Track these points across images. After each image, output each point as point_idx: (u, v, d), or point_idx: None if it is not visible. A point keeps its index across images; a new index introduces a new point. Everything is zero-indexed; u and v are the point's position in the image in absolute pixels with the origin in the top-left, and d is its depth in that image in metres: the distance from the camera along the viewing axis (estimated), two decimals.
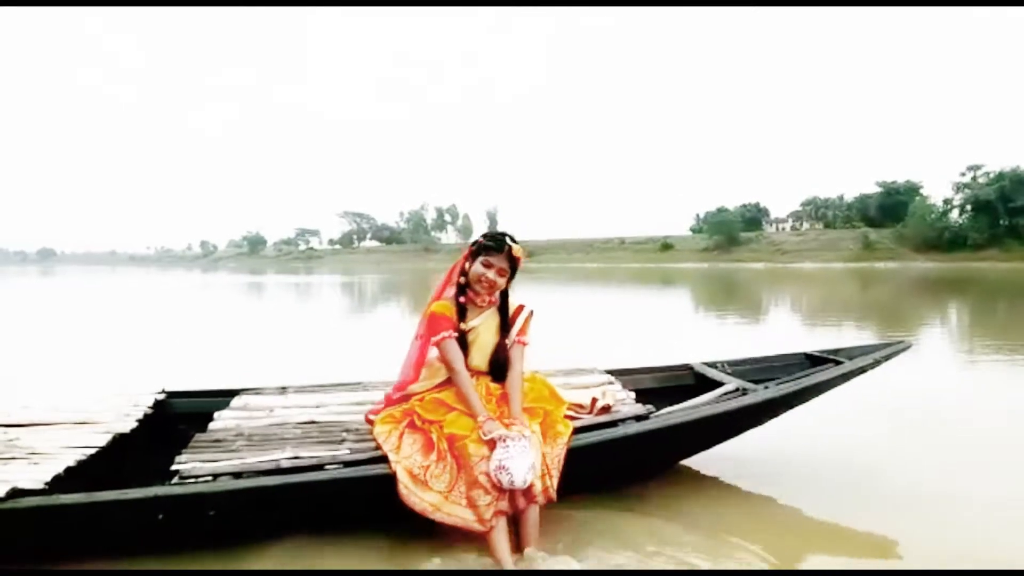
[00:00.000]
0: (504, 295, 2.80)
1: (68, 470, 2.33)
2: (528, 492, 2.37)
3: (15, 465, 2.36)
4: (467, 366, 2.69)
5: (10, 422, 2.83)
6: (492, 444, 2.35)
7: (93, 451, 2.53)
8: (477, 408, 2.51)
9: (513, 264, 2.72)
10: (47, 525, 2.18)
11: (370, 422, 2.77)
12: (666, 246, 74.43)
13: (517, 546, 2.38)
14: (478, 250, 2.72)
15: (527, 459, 2.30)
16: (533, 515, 2.42)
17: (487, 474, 2.31)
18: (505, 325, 2.78)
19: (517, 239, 2.74)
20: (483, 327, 2.75)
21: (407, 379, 2.79)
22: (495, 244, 2.70)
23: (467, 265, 2.74)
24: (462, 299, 2.74)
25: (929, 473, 3.30)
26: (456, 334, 2.67)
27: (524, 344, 2.79)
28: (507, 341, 2.76)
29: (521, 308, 2.84)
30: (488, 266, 2.69)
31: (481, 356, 2.74)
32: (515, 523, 2.41)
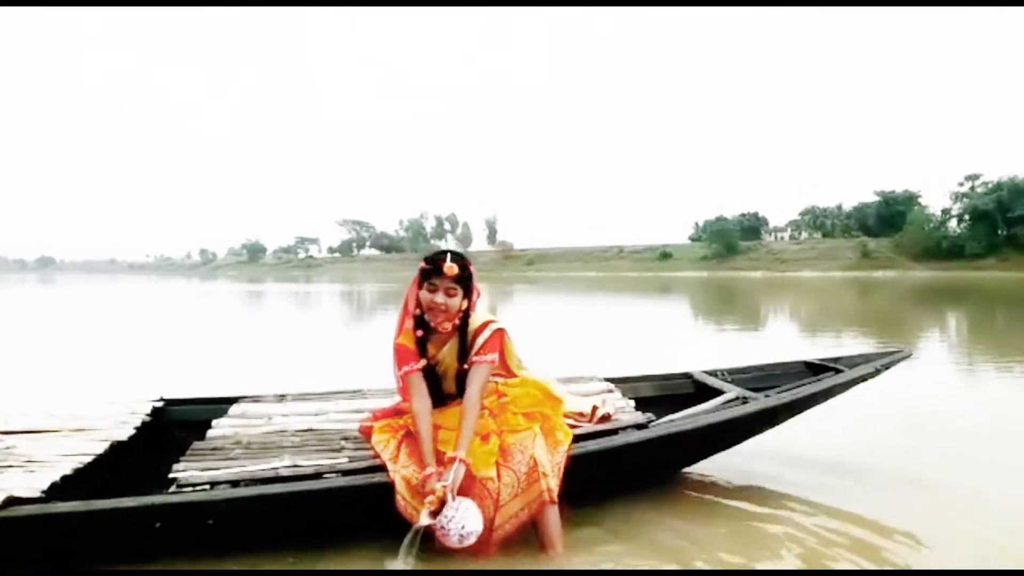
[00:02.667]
0: (465, 315, 2.63)
1: (65, 478, 2.32)
2: (538, 497, 2.36)
3: (11, 473, 2.35)
4: (442, 393, 2.68)
5: (7, 429, 2.82)
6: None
7: (90, 459, 2.51)
8: (425, 454, 2.40)
9: (463, 277, 2.55)
10: (44, 534, 2.17)
11: (364, 434, 2.76)
12: (665, 255, 74.61)
13: (540, 548, 2.40)
14: (421, 275, 2.57)
15: (465, 522, 2.20)
16: (551, 516, 2.39)
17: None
18: (464, 347, 2.67)
19: (462, 254, 2.61)
20: (447, 354, 2.68)
21: (394, 405, 2.81)
22: (432, 266, 2.53)
23: (420, 294, 2.58)
24: (419, 332, 2.61)
25: (935, 473, 3.28)
26: (417, 367, 2.59)
27: (484, 362, 2.62)
28: (467, 366, 2.65)
29: (486, 325, 2.68)
30: (434, 290, 2.53)
31: (450, 384, 2.70)
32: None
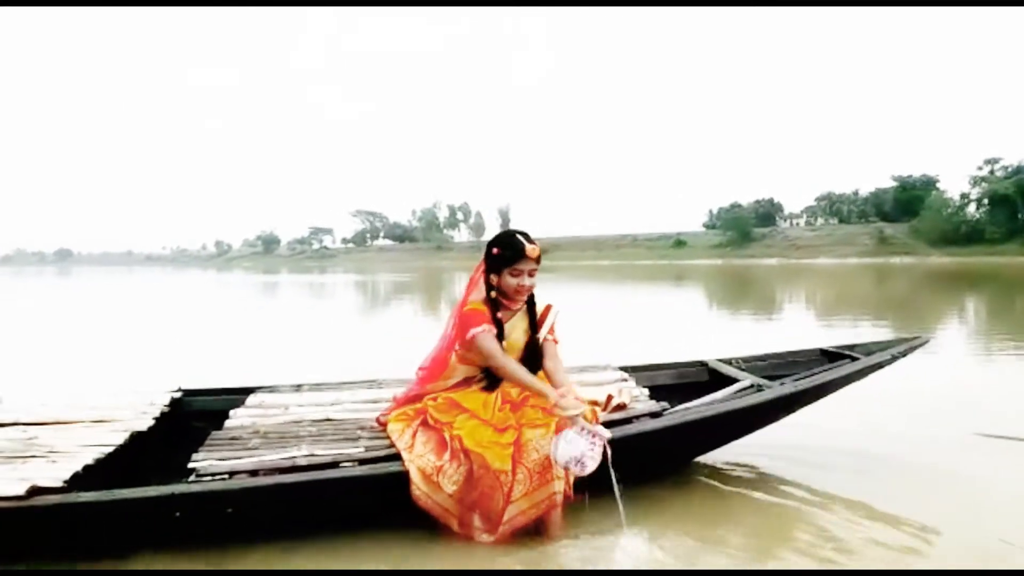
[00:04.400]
0: (531, 293, 2.73)
1: (87, 468, 2.35)
2: (549, 498, 2.39)
3: (34, 463, 2.39)
4: (492, 375, 2.69)
5: (29, 420, 2.86)
6: (564, 424, 2.36)
7: (111, 449, 2.55)
8: (541, 388, 2.50)
9: (538, 258, 2.64)
10: (66, 523, 2.21)
11: (382, 424, 2.78)
12: (679, 243, 74.19)
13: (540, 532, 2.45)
14: (499, 262, 2.60)
15: (597, 450, 2.30)
16: (556, 514, 2.44)
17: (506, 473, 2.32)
18: (534, 323, 2.74)
19: (528, 233, 2.65)
20: (513, 327, 2.71)
21: (426, 377, 2.79)
22: (512, 251, 2.58)
23: (493, 279, 2.63)
24: (497, 313, 2.65)
25: (952, 462, 3.25)
26: (494, 329, 2.62)
27: (556, 342, 2.75)
28: (538, 337, 2.72)
29: (549, 308, 2.79)
30: (519, 275, 2.59)
31: (512, 355, 2.69)
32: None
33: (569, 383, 2.62)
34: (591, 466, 2.28)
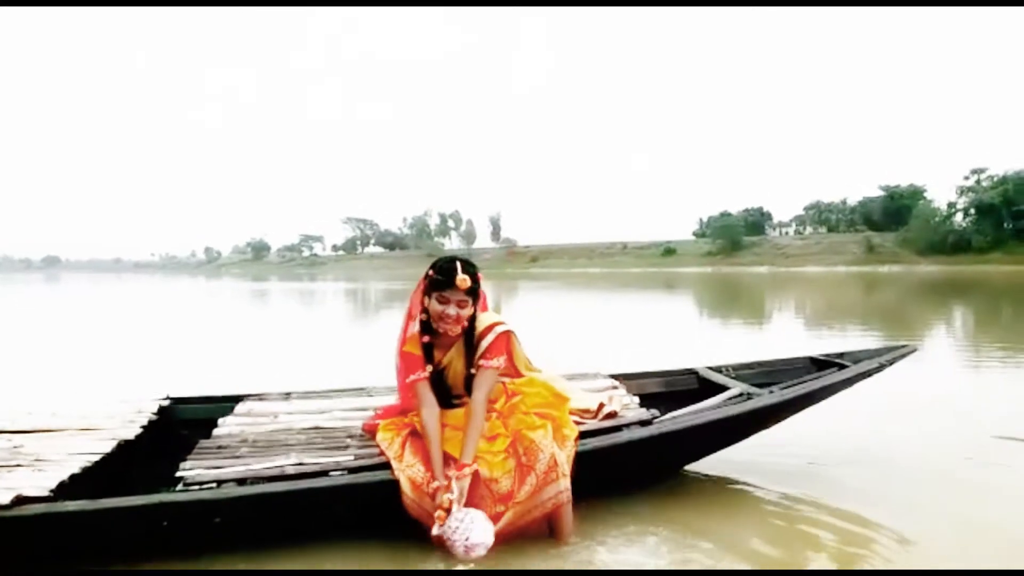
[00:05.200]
0: (471, 319, 2.61)
1: (73, 477, 2.34)
2: (554, 496, 2.38)
3: (20, 472, 2.36)
4: (449, 395, 2.67)
5: (14, 429, 2.84)
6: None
7: (98, 458, 2.53)
8: (435, 464, 2.41)
9: (474, 288, 2.54)
10: (52, 532, 2.18)
11: (369, 432, 2.77)
12: (669, 251, 74.57)
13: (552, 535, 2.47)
14: (430, 285, 2.54)
15: (470, 533, 2.23)
16: (566, 511, 2.43)
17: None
18: (470, 350, 2.66)
19: (474, 265, 2.59)
20: (454, 358, 2.67)
21: (399, 404, 2.81)
22: (444, 278, 2.50)
23: (426, 300, 2.58)
24: (426, 338, 2.60)
25: (942, 469, 3.28)
26: (425, 375, 2.58)
27: (489, 367, 2.60)
28: (473, 370, 2.64)
29: (491, 328, 2.65)
30: (445, 302, 2.51)
31: (458, 387, 2.68)
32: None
33: (473, 437, 2.44)
34: (472, 542, 2.23)
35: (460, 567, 2.28)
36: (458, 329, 2.58)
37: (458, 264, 2.53)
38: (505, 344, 2.72)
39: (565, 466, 2.40)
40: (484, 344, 2.63)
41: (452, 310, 2.52)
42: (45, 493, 2.18)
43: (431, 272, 2.55)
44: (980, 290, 22.23)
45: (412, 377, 2.58)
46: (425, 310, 2.59)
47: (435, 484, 2.36)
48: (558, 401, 2.74)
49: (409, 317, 2.69)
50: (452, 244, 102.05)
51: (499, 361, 2.64)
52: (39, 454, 2.54)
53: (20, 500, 2.12)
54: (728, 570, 2.34)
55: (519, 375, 2.87)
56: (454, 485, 2.31)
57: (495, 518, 2.34)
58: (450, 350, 2.66)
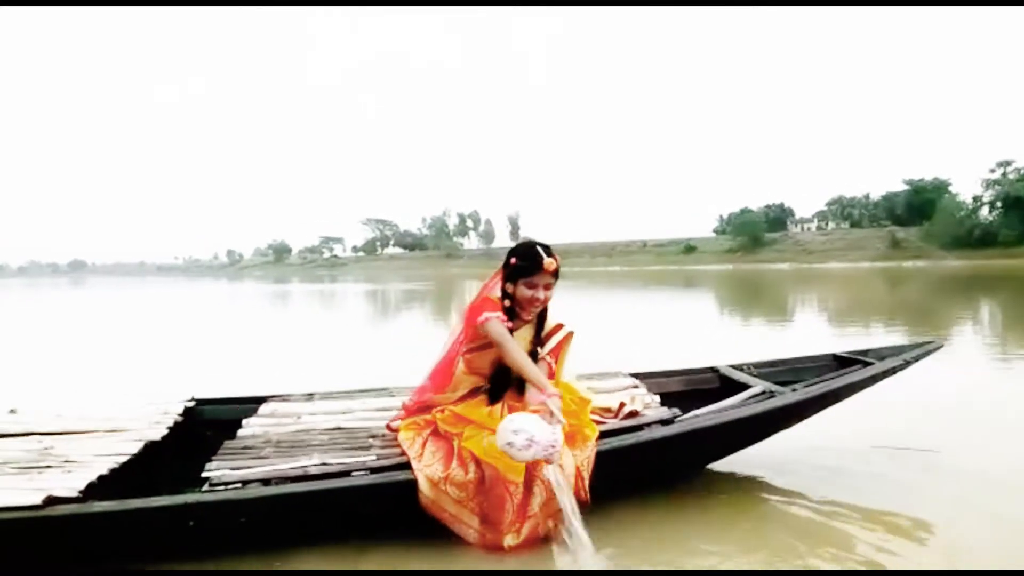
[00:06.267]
0: (544, 308, 2.74)
1: (101, 478, 2.37)
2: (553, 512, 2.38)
3: (50, 473, 2.40)
4: (506, 377, 2.69)
5: (44, 430, 2.89)
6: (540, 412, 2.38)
7: (125, 459, 2.56)
8: (540, 379, 2.52)
9: (555, 272, 2.64)
10: (82, 532, 2.22)
11: (393, 431, 2.79)
12: (689, 248, 74.06)
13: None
14: (516, 272, 2.63)
15: (554, 437, 2.27)
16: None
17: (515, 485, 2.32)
18: (539, 336, 2.75)
19: (549, 246, 2.66)
20: (520, 338, 2.71)
21: (428, 387, 2.79)
22: (530, 263, 2.60)
23: (509, 288, 2.66)
24: (509, 324, 2.64)
25: (965, 468, 3.22)
26: (506, 318, 2.63)
27: (548, 362, 2.75)
28: (539, 350, 2.73)
29: (560, 327, 2.79)
30: (534, 287, 2.61)
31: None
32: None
33: (543, 378, 2.59)
34: (539, 453, 2.24)
35: (460, 567, 2.29)
36: (536, 310, 2.69)
37: (539, 248, 2.61)
38: (564, 347, 2.83)
39: (573, 477, 2.40)
40: (552, 341, 2.77)
41: (541, 293, 2.63)
42: (74, 494, 2.21)
43: (514, 260, 2.63)
44: (1008, 285, 21.81)
45: (489, 314, 2.60)
46: (508, 296, 2.65)
47: (548, 392, 2.46)
48: (580, 406, 2.75)
49: (484, 291, 2.74)
50: (471, 244, 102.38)
51: (553, 361, 2.77)
52: (68, 455, 2.58)
53: (51, 501, 2.15)
54: (728, 570, 2.32)
55: (552, 375, 2.88)
56: (549, 403, 2.39)
57: (510, 523, 2.36)
58: (518, 331, 2.72)
